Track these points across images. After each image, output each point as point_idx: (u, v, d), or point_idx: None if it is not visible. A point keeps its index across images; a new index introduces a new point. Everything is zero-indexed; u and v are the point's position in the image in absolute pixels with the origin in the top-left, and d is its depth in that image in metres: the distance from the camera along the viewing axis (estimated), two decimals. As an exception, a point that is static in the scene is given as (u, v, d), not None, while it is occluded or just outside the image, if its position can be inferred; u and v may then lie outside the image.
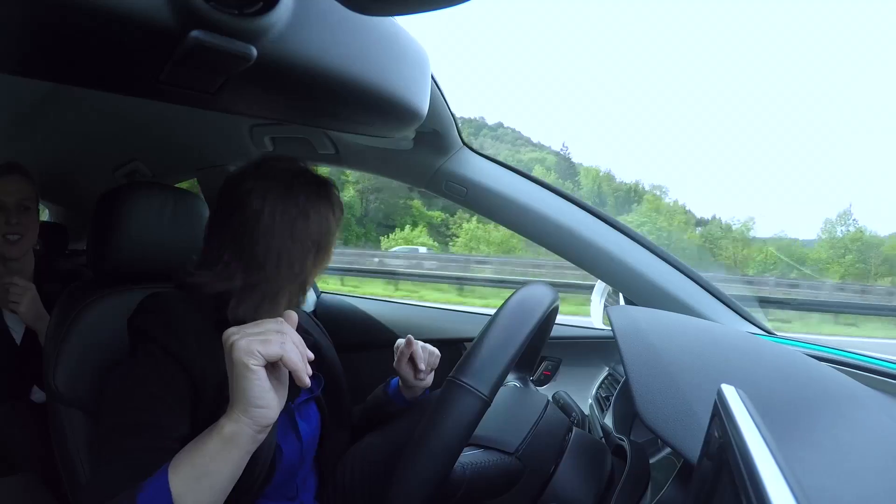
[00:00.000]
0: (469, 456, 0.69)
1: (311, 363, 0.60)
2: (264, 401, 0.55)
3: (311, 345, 0.88)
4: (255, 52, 0.42)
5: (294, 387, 0.64)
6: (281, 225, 0.69)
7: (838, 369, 0.73)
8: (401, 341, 0.87)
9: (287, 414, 0.77)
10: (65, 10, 0.34)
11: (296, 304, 0.75)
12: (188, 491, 0.54)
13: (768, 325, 1.05)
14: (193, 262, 0.74)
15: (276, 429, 0.71)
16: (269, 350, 0.55)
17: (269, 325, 0.57)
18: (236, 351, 0.54)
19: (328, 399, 0.86)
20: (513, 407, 0.80)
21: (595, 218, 1.07)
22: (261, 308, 0.70)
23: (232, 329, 0.56)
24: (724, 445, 0.35)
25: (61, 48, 0.39)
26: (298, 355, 0.56)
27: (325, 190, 0.73)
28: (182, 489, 0.53)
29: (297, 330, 0.78)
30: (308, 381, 0.57)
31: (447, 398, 0.56)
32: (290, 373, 0.57)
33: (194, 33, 0.38)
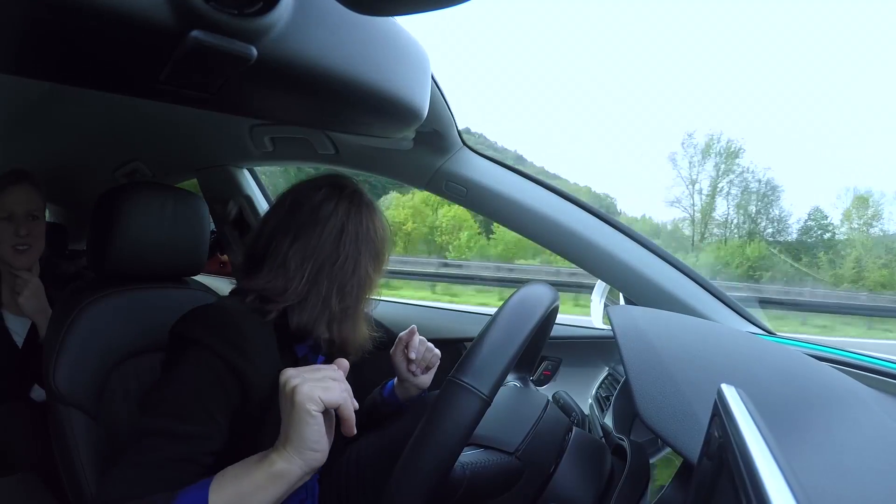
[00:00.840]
0: (469, 455, 0.69)
1: None
2: (320, 445, 0.57)
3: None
4: (255, 52, 0.42)
5: None
6: (354, 236, 0.71)
7: (838, 369, 0.73)
8: (404, 332, 0.87)
9: None
10: (65, 10, 0.34)
11: (362, 320, 0.76)
12: None
13: (768, 325, 1.05)
14: (239, 267, 0.75)
15: None
16: (331, 397, 0.57)
17: (326, 371, 0.59)
18: (299, 395, 0.56)
19: None
20: (513, 407, 0.80)
21: (595, 218, 1.07)
22: (322, 317, 0.70)
23: (291, 371, 0.58)
24: (723, 445, 0.35)
25: (61, 48, 0.39)
26: (352, 405, 0.59)
27: (374, 203, 0.76)
28: None
29: None
30: (355, 431, 0.59)
31: (447, 397, 0.56)
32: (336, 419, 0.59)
33: (194, 33, 0.38)
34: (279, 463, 0.56)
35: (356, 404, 0.60)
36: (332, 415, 0.59)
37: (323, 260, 0.70)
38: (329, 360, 0.76)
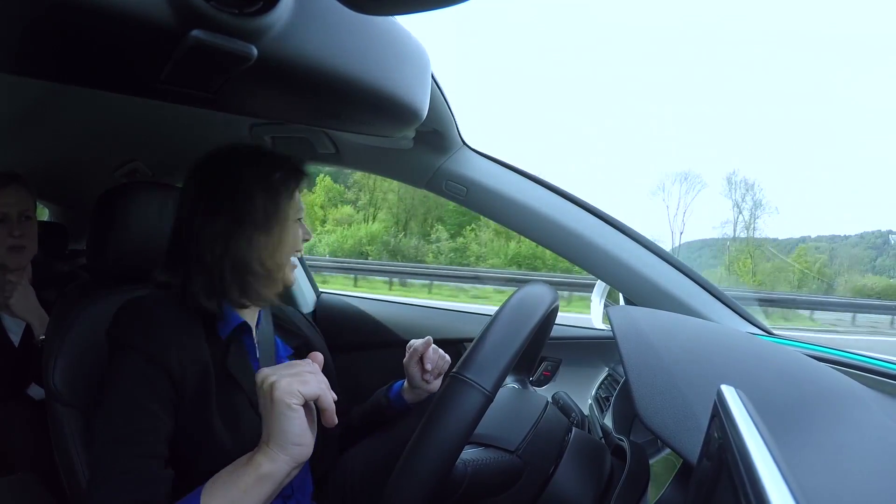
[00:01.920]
0: (470, 453, 0.69)
1: (291, 358, 0.65)
2: (303, 438, 0.58)
3: (303, 344, 0.88)
4: (255, 51, 0.42)
5: None
6: (226, 210, 0.70)
7: (838, 369, 0.73)
8: (418, 341, 0.87)
9: None
10: (65, 9, 0.34)
11: (273, 294, 0.75)
12: None
13: (768, 325, 1.05)
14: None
15: None
16: (310, 390, 0.58)
17: (301, 366, 0.60)
18: (278, 391, 0.57)
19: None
20: (512, 407, 0.80)
21: (595, 218, 1.07)
22: (228, 292, 0.71)
23: (266, 370, 0.59)
24: (723, 446, 0.35)
25: (62, 48, 0.39)
26: (330, 396, 0.60)
27: (264, 166, 0.73)
28: None
29: (287, 330, 0.77)
30: (336, 420, 0.60)
31: (449, 393, 0.56)
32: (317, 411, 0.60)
33: (194, 33, 0.38)
34: (265, 464, 0.57)
35: (335, 395, 0.61)
36: (313, 407, 0.60)
37: (205, 238, 0.70)
38: (263, 348, 0.79)
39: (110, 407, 0.64)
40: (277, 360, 0.80)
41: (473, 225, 18.95)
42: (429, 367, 0.86)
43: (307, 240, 0.78)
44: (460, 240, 19.16)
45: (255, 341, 0.78)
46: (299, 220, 0.76)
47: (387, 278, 10.83)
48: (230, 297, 0.72)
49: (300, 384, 0.58)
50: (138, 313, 0.69)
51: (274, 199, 0.71)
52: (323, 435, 0.85)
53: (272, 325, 0.83)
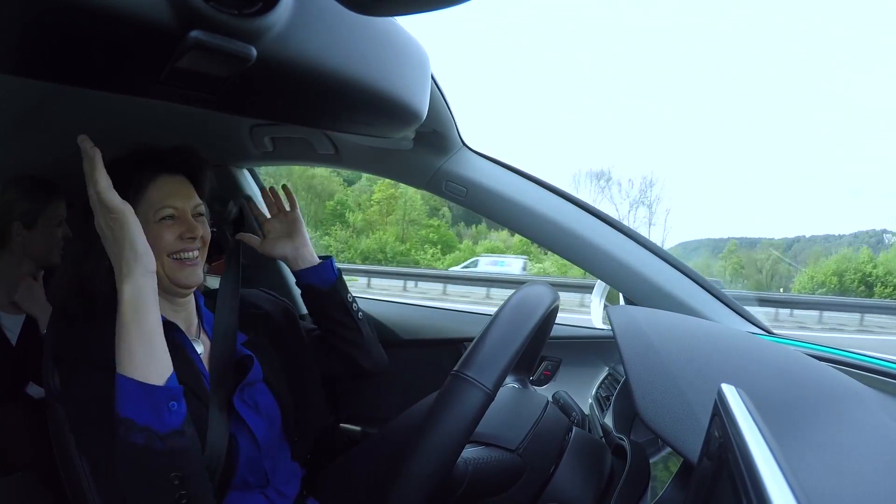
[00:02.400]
0: (471, 452, 0.69)
1: (246, 345, 0.77)
2: (145, 244, 0.63)
3: (260, 316, 0.87)
4: (254, 52, 0.42)
5: (232, 377, 0.73)
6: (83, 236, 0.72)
7: (838, 369, 0.72)
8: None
9: (222, 405, 0.74)
10: (65, 10, 0.34)
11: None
12: (139, 365, 0.60)
13: (768, 325, 1.05)
14: None
15: (226, 420, 0.72)
16: (109, 196, 0.64)
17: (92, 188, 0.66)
18: (111, 205, 0.62)
19: (288, 376, 0.85)
20: (513, 406, 0.80)
21: (595, 218, 1.07)
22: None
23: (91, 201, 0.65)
24: (723, 445, 0.35)
25: (61, 48, 0.39)
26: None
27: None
28: (136, 368, 0.59)
29: (246, 305, 0.84)
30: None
31: (451, 391, 0.56)
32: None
33: (194, 33, 0.38)
34: (128, 289, 0.61)
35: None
36: None
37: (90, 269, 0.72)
38: (218, 331, 0.80)
39: (92, 430, 0.65)
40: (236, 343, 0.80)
41: (338, 224, 23.67)
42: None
43: (192, 237, 0.74)
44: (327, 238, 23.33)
45: (194, 334, 0.78)
46: (166, 218, 0.73)
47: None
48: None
49: (108, 192, 0.63)
50: (71, 325, 0.71)
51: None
52: (299, 414, 0.84)
53: (235, 307, 0.82)
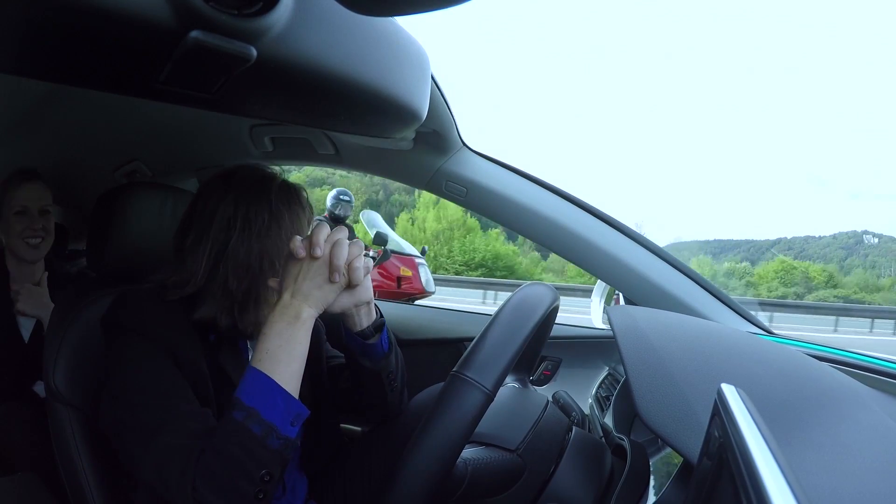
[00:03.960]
0: (470, 452, 0.69)
1: None
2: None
3: None
4: (254, 52, 0.42)
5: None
6: (254, 230, 0.70)
7: (838, 369, 0.73)
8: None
9: None
10: (64, 10, 0.34)
11: (265, 303, 0.73)
12: (284, 373, 0.61)
13: (768, 325, 1.05)
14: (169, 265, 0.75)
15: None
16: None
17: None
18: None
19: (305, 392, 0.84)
20: (513, 406, 0.80)
21: (595, 218, 1.07)
22: (221, 306, 0.71)
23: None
24: (723, 445, 0.35)
25: (61, 48, 0.39)
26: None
27: (295, 193, 0.74)
28: (281, 376, 0.61)
29: None
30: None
31: (450, 391, 0.56)
32: None
33: (194, 33, 0.38)
34: (308, 311, 0.64)
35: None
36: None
37: (217, 251, 0.70)
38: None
39: (130, 395, 0.64)
40: None
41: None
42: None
43: None
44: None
45: (249, 344, 0.78)
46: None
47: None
48: (246, 317, 0.71)
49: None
50: (138, 301, 0.70)
51: (293, 228, 0.72)
52: (316, 434, 0.85)
53: None
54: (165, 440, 0.61)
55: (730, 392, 0.38)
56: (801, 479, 0.28)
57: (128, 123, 1.36)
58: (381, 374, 0.78)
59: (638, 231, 1.08)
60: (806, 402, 0.57)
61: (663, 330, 0.68)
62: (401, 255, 4.53)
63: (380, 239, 4.21)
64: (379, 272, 4.35)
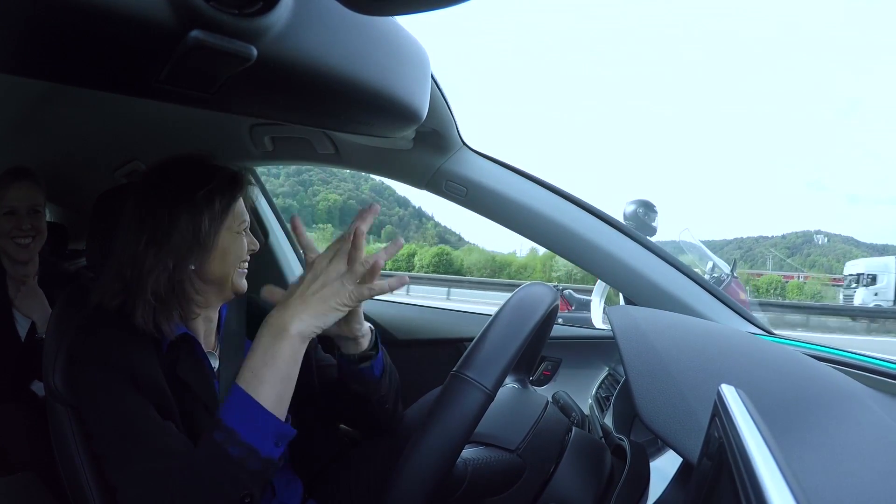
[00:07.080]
0: (470, 452, 0.69)
1: None
2: None
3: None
4: (255, 52, 0.42)
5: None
6: (149, 230, 0.67)
7: (838, 369, 0.73)
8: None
9: None
10: (64, 9, 0.34)
11: (224, 300, 0.74)
12: (269, 395, 0.60)
13: (768, 325, 1.05)
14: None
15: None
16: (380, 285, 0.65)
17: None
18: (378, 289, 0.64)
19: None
20: (513, 407, 0.80)
21: (595, 218, 1.07)
22: (156, 312, 0.68)
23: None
24: (723, 445, 0.35)
25: (61, 48, 0.39)
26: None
27: (206, 181, 0.69)
28: (266, 397, 0.60)
29: (258, 314, 0.74)
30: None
31: (450, 391, 0.57)
32: None
33: (194, 33, 0.38)
34: (297, 327, 0.61)
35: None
36: None
37: (133, 260, 0.67)
38: (228, 343, 0.78)
39: (97, 427, 0.65)
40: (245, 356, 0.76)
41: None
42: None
43: (253, 250, 0.74)
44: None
45: (212, 347, 0.77)
46: (243, 231, 0.73)
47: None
48: (170, 318, 0.68)
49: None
50: (89, 330, 0.69)
51: (197, 220, 0.67)
52: (308, 438, 0.84)
53: (242, 318, 0.81)
54: (138, 468, 0.60)
55: (730, 392, 0.38)
56: (801, 479, 0.28)
57: (127, 123, 1.36)
58: (371, 398, 0.77)
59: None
60: (805, 402, 0.57)
61: (663, 330, 0.68)
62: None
63: None
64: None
